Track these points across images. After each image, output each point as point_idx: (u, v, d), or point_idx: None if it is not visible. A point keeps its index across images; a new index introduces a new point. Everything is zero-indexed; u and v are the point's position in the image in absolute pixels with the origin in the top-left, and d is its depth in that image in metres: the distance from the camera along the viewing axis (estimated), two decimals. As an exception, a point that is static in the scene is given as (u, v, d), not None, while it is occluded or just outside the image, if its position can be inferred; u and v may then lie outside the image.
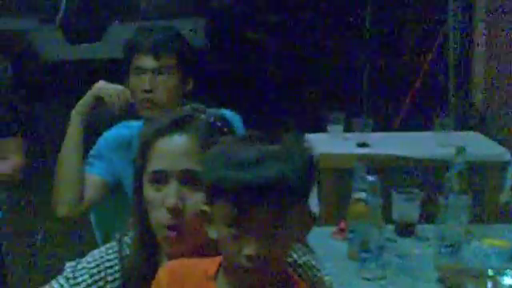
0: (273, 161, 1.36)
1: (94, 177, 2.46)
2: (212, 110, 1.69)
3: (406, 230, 2.72)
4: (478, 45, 5.18)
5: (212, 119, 1.64)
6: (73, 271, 1.66)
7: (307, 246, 1.70)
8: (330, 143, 3.95)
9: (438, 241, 2.44)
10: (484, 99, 5.11)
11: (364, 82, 6.75)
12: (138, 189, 1.62)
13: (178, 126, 1.60)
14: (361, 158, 3.52)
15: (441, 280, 2.36)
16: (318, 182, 3.70)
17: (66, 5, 9.35)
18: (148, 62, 2.51)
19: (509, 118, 4.66)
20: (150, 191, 1.59)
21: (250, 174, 1.34)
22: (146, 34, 2.57)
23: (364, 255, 2.39)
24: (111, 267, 1.67)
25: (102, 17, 9.48)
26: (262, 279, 1.41)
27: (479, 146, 4.03)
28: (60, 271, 1.70)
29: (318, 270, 1.67)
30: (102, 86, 2.47)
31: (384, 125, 5.00)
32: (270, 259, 1.38)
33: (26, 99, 3.43)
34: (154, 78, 2.49)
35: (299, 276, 1.59)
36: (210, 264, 1.48)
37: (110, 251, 1.69)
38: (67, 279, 1.66)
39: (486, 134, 4.39)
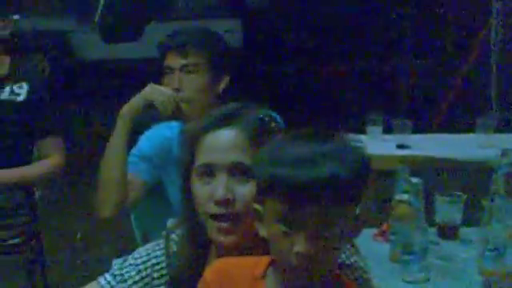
0: (326, 159, 1.36)
1: (137, 177, 2.46)
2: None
3: (448, 232, 2.68)
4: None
5: (260, 114, 1.66)
6: (120, 268, 1.68)
7: (354, 247, 1.68)
8: (369, 144, 3.91)
9: (482, 244, 2.40)
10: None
11: (404, 82, 6.69)
12: (186, 184, 1.64)
13: (225, 120, 1.62)
14: (400, 159, 3.49)
15: (485, 284, 2.32)
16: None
17: (104, 5, 9.40)
18: (176, 60, 2.50)
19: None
20: (198, 185, 1.60)
21: (304, 172, 1.35)
22: (176, 34, 2.58)
23: (407, 258, 2.36)
24: (158, 264, 1.68)
25: (139, 16, 9.52)
26: (311, 279, 1.40)
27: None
28: (99, 269, 1.71)
29: (366, 272, 1.66)
30: (153, 90, 2.45)
31: (424, 126, 4.95)
32: (321, 258, 1.38)
33: (64, 99, 3.42)
34: (182, 76, 2.49)
35: (346, 277, 1.58)
36: (258, 263, 1.48)
37: (157, 248, 1.70)
38: (114, 276, 1.68)
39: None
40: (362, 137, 4.00)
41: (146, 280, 1.67)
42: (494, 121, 4.09)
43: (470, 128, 4.02)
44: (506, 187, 2.61)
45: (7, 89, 3.23)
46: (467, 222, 2.72)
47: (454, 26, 7.52)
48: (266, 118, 1.65)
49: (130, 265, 1.68)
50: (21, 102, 3.22)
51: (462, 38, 6.90)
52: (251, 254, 1.52)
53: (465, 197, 2.67)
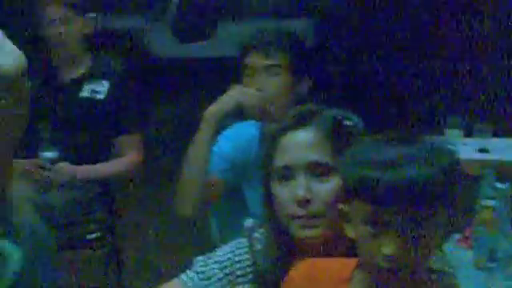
0: (414, 161, 1.35)
1: (217, 177, 2.45)
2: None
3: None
4: None
5: (336, 114, 1.67)
6: (203, 265, 1.69)
7: (442, 252, 1.64)
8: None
9: None
10: None
11: (485, 85, 6.56)
12: (266, 185, 1.65)
13: (301, 121, 1.64)
14: (482, 164, 3.41)
15: None
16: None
17: (176, 3, 9.47)
18: (259, 61, 2.47)
19: None
20: (278, 186, 1.62)
21: (392, 174, 1.33)
22: (258, 33, 2.55)
23: (491, 265, 2.30)
24: (241, 262, 1.69)
25: (212, 15, 9.55)
26: (399, 282, 1.38)
27: None
28: (172, 267, 1.71)
29: (453, 278, 1.62)
30: (241, 91, 2.43)
31: (506, 130, 4.83)
32: (409, 261, 1.36)
33: (140, 97, 3.45)
34: (265, 77, 2.46)
35: (432, 282, 1.54)
36: (345, 265, 1.47)
37: (241, 246, 1.71)
38: (197, 273, 1.68)
39: None
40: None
41: (230, 277, 1.67)
42: None
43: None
44: None
45: (87, 87, 3.28)
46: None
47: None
48: (342, 118, 1.66)
49: (215, 262, 1.69)
50: (100, 100, 3.26)
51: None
52: (333, 255, 1.53)
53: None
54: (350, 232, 1.42)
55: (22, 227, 2.72)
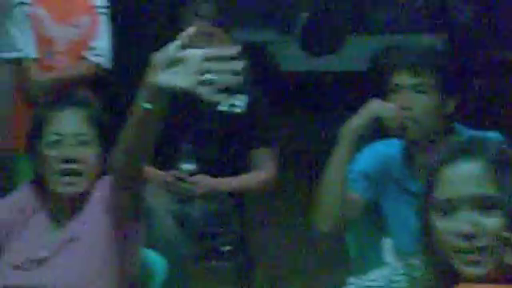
0: None
1: (356, 195, 2.44)
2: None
3: None
4: None
5: (499, 143, 1.62)
6: None
7: None
8: None
9: None
10: None
11: None
12: (425, 216, 1.60)
13: (464, 151, 1.57)
14: None
15: None
16: None
17: (306, 17, 9.50)
18: (407, 78, 2.44)
19: None
20: (439, 219, 1.56)
21: None
22: (406, 51, 2.52)
23: None
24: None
25: (341, 29, 9.53)
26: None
27: None
28: (303, 283, 1.71)
29: None
30: (380, 106, 2.42)
31: None
32: None
33: (273, 110, 3.47)
34: (412, 95, 2.43)
35: None
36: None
37: (397, 273, 1.69)
38: None
39: None
40: None
41: None
42: None
43: None
44: None
45: (226, 100, 3.32)
46: None
47: None
48: (507, 146, 1.61)
49: (368, 286, 1.69)
50: (238, 114, 3.31)
51: None
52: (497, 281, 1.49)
53: None
54: (510, 259, 1.39)
55: (162, 237, 2.80)
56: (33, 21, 3.61)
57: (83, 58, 3.68)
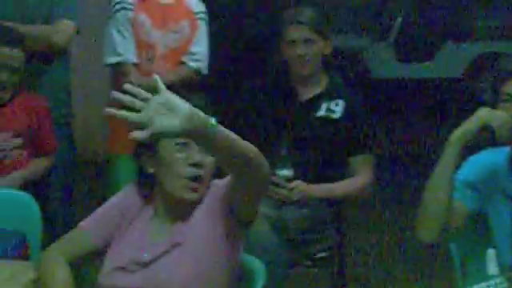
0: None
1: (461, 204, 2.39)
2: None
3: None
4: None
5: None
6: None
7: None
8: None
9: None
10: None
11: None
12: None
13: None
14: None
15: None
16: None
17: (400, 23, 9.41)
18: None
19: None
20: None
21: None
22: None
23: None
24: None
25: (436, 36, 9.40)
26: None
27: None
28: None
29: None
30: (490, 113, 2.36)
31: None
32: None
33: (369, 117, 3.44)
34: None
35: None
36: None
37: (501, 286, 1.63)
38: None
39: None
40: None
41: None
42: None
43: None
44: None
45: (324, 106, 3.31)
46: None
47: None
48: None
49: None
50: (336, 119, 3.29)
51: None
52: None
53: None
54: None
55: (258, 242, 2.80)
56: (134, 26, 3.67)
57: (182, 63, 3.72)
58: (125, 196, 2.27)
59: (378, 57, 9.44)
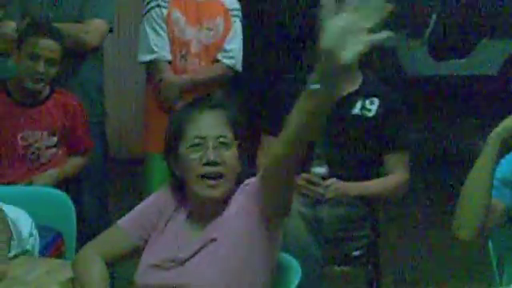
0: None
1: (498, 203, 2.36)
2: None
3: None
4: None
5: None
6: None
7: None
8: None
9: None
10: None
11: None
12: None
13: None
14: None
15: None
16: None
17: (435, 20, 9.34)
18: None
19: None
20: None
21: None
22: None
23: None
24: None
25: (471, 33, 9.32)
26: None
27: None
28: None
29: None
30: None
31: None
32: None
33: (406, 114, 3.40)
34: None
35: None
36: None
37: None
38: None
39: None
40: None
41: None
42: None
43: None
44: None
45: (359, 104, 3.29)
46: None
47: None
48: None
49: None
50: (371, 117, 3.26)
51: None
52: None
53: None
54: None
55: (293, 240, 2.78)
56: (168, 23, 3.67)
57: (217, 60, 3.72)
58: (162, 196, 2.28)
59: (412, 54, 9.38)
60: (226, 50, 3.72)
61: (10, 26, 3.65)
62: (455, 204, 2.37)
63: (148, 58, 3.70)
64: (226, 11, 3.75)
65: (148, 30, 3.69)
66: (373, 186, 3.25)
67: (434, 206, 5.36)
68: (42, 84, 3.36)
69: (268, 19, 8.60)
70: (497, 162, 2.31)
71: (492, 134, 2.30)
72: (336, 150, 3.21)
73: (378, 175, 3.31)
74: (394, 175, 3.28)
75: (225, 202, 2.18)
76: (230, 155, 2.15)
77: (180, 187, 2.23)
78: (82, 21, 3.71)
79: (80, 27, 3.68)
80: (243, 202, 2.15)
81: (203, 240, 2.14)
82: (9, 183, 3.22)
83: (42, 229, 2.83)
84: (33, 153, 3.41)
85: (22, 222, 2.65)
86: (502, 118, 2.34)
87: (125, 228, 2.25)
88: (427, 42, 9.38)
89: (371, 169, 3.30)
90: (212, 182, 2.13)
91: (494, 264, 2.55)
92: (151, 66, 3.75)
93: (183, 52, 3.69)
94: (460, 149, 6.92)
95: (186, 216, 2.22)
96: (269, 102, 3.47)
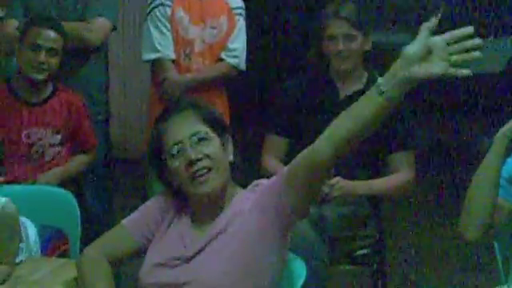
0: None
1: (504, 202, 2.35)
2: None
3: None
4: None
5: None
6: None
7: None
8: None
9: None
10: None
11: None
12: None
13: None
14: None
15: None
16: None
17: (440, 18, 9.32)
18: None
19: None
20: None
21: None
22: None
23: None
24: None
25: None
26: None
27: None
28: None
29: None
30: None
31: None
32: None
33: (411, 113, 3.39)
34: None
35: None
36: None
37: None
38: None
39: None
40: None
41: None
42: None
43: None
44: None
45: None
46: None
47: None
48: None
49: None
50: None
51: None
52: None
53: None
54: None
55: (298, 239, 2.77)
56: (172, 22, 3.66)
57: (220, 59, 3.71)
58: (165, 196, 2.27)
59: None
60: (229, 49, 3.70)
61: (13, 25, 3.65)
62: (461, 203, 2.36)
63: (152, 56, 3.69)
64: (230, 10, 3.73)
65: (152, 28, 3.67)
66: (378, 184, 3.24)
67: (439, 206, 5.35)
68: (45, 74, 3.36)
69: (272, 18, 8.59)
70: (503, 162, 2.30)
71: (499, 134, 2.29)
72: (341, 148, 3.19)
73: (384, 174, 3.30)
74: (399, 174, 3.26)
75: (226, 197, 2.18)
76: (212, 148, 2.15)
77: (178, 192, 2.23)
78: (86, 19, 3.70)
79: (83, 26, 3.67)
80: (257, 201, 2.14)
81: (208, 237, 2.14)
82: (13, 181, 3.22)
83: (45, 228, 2.83)
84: (37, 151, 3.41)
85: (29, 226, 2.65)
86: (507, 116, 2.33)
87: (129, 227, 2.24)
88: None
89: (376, 167, 3.29)
90: (201, 179, 2.12)
91: (500, 264, 2.54)
92: (155, 65, 3.73)
93: (187, 51, 3.68)
94: (465, 147, 6.90)
95: (190, 218, 2.22)
96: (274, 101, 3.46)
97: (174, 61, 3.67)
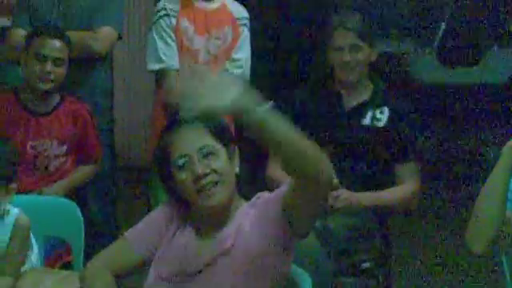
0: None
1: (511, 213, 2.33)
2: None
3: None
4: None
5: None
6: None
7: None
8: None
9: None
10: None
11: None
12: None
13: None
14: None
15: None
16: None
17: (444, 28, 9.31)
18: None
19: None
20: None
21: None
22: None
23: None
24: None
25: (480, 41, 9.28)
26: None
27: None
28: None
29: None
30: None
31: None
32: None
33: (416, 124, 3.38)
34: None
35: None
36: None
37: None
38: None
39: None
40: None
41: None
42: None
43: None
44: None
45: (369, 114, 3.26)
46: None
47: None
48: None
49: None
50: (382, 128, 3.24)
51: None
52: None
53: None
54: None
55: (303, 251, 2.75)
56: (177, 32, 3.65)
57: (225, 69, 3.70)
58: (169, 207, 2.26)
59: (422, 62, 9.34)
60: (234, 59, 3.69)
61: (19, 35, 3.64)
62: (468, 216, 2.34)
63: (156, 67, 3.68)
64: (235, 20, 3.72)
65: (157, 39, 3.66)
66: (383, 196, 3.23)
67: (445, 218, 5.32)
68: (51, 84, 3.35)
69: (277, 29, 8.57)
70: (511, 175, 2.28)
71: (506, 147, 2.27)
72: (346, 160, 3.19)
73: (389, 185, 3.28)
74: (405, 185, 3.26)
75: (232, 211, 2.16)
76: (220, 162, 2.13)
77: (183, 202, 2.22)
78: (91, 29, 3.70)
79: (89, 35, 3.67)
80: (257, 215, 2.13)
81: (212, 253, 2.12)
82: (17, 192, 3.21)
83: (49, 239, 2.82)
84: (42, 162, 3.40)
85: (33, 237, 2.64)
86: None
87: (132, 240, 2.23)
88: (436, 50, 9.33)
89: (382, 179, 3.28)
90: (208, 192, 2.11)
91: (508, 277, 2.52)
92: (160, 75, 3.72)
93: (191, 61, 3.67)
94: (471, 158, 6.88)
95: (194, 230, 2.20)
96: (280, 110, 3.44)
97: (178, 71, 3.66)
